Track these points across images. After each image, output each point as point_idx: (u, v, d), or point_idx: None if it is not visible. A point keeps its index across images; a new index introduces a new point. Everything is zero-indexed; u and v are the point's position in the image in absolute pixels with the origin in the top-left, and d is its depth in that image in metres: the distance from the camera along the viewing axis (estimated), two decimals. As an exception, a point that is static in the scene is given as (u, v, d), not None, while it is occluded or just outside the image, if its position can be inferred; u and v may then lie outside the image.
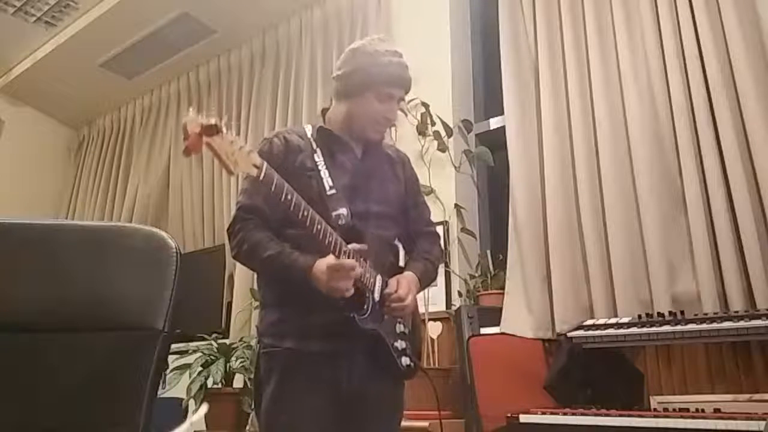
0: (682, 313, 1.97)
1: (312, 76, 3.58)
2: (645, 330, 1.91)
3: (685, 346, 2.10)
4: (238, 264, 3.41)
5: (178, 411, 2.84)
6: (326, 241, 1.41)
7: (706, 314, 2.00)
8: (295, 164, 1.54)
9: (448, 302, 2.74)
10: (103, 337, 0.91)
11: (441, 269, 1.80)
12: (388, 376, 1.56)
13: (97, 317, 0.92)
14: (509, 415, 1.87)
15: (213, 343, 2.98)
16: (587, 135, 2.52)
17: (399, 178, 1.72)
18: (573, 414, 1.81)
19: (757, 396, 1.88)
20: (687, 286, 2.20)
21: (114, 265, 0.95)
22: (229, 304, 3.54)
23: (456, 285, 2.74)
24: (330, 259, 1.41)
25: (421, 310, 1.82)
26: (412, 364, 1.59)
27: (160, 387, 1.25)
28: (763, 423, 1.47)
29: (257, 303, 2.91)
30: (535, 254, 2.50)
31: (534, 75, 2.75)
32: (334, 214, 1.49)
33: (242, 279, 3.43)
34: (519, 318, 2.44)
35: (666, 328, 1.89)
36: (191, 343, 3.06)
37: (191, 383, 2.78)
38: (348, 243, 1.46)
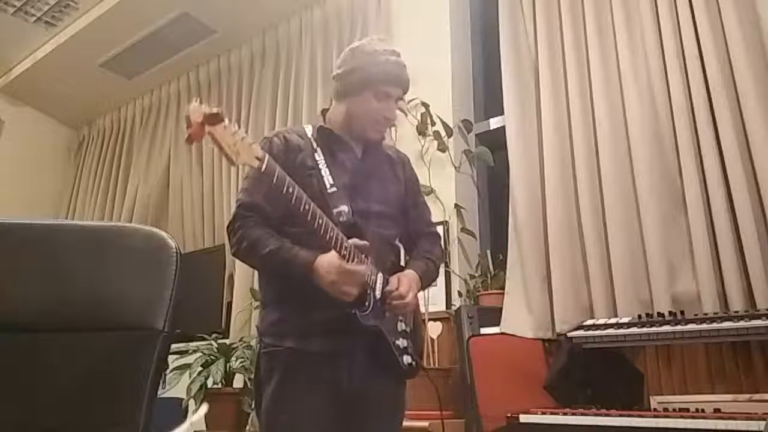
0: (682, 313, 1.97)
1: (312, 76, 3.58)
2: (645, 330, 1.91)
3: (685, 346, 2.10)
4: (238, 264, 3.42)
5: (178, 411, 2.84)
6: (327, 236, 1.41)
7: (706, 314, 2.00)
8: (296, 163, 1.54)
9: (448, 302, 2.74)
10: (103, 337, 0.91)
11: (441, 269, 1.80)
12: (389, 374, 1.56)
13: (97, 317, 0.92)
14: (509, 415, 1.87)
15: (213, 343, 2.98)
16: (587, 135, 2.52)
17: (399, 179, 1.72)
18: (573, 414, 1.81)
19: (757, 396, 1.88)
20: (687, 286, 2.20)
21: (114, 265, 0.95)
22: (229, 304, 3.54)
23: (456, 285, 2.74)
24: (334, 256, 1.41)
25: (421, 310, 1.82)
26: (413, 362, 1.59)
27: (160, 387, 1.25)
28: (763, 423, 1.47)
29: (257, 303, 2.91)
30: (535, 254, 2.50)
31: (534, 75, 2.75)
32: (335, 211, 1.49)
33: (242, 279, 3.43)
34: (519, 318, 2.44)
35: (666, 328, 1.89)
36: (191, 343, 3.06)
37: (191, 383, 2.78)
38: (349, 239, 1.46)
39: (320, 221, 1.40)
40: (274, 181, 1.34)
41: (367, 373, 1.51)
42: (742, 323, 1.78)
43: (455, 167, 2.91)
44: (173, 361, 2.90)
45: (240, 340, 3.03)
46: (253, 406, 2.30)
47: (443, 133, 2.90)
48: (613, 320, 2.08)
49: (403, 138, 2.94)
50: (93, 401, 0.88)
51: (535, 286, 2.46)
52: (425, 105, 2.94)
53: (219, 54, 4.21)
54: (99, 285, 0.94)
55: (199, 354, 2.93)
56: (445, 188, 2.88)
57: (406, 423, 1.66)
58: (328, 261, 1.42)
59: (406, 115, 2.91)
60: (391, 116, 1.64)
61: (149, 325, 0.91)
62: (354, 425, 1.51)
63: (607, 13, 2.60)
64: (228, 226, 1.56)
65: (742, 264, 2.09)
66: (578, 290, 2.41)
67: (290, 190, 1.36)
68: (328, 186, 1.53)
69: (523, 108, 2.72)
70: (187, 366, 2.87)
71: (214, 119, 1.19)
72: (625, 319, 2.06)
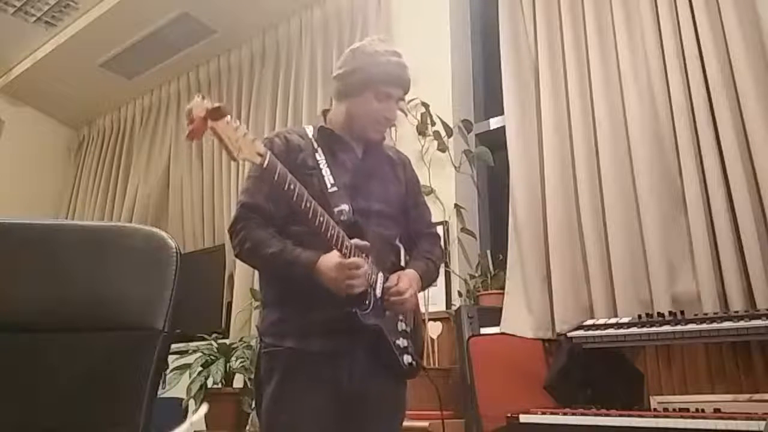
0: (682, 313, 1.97)
1: (312, 76, 3.58)
2: (645, 330, 1.91)
3: (685, 346, 2.10)
4: (238, 264, 3.42)
5: (178, 411, 2.84)
6: (328, 234, 1.42)
7: (706, 314, 1.99)
8: (296, 163, 1.54)
9: (448, 302, 2.74)
10: (103, 337, 0.91)
11: (441, 269, 1.80)
12: (389, 374, 1.56)
13: (97, 317, 0.92)
14: (509, 415, 1.87)
15: (213, 343, 2.98)
16: (587, 135, 2.52)
17: (399, 179, 1.72)
18: (573, 414, 1.81)
19: (757, 396, 1.88)
20: (687, 286, 2.20)
21: (114, 265, 0.95)
22: (229, 304, 3.54)
23: (456, 285, 2.74)
24: (335, 255, 1.42)
25: (421, 310, 1.82)
26: (414, 362, 1.59)
27: (160, 387, 1.25)
28: (763, 423, 1.47)
29: (257, 303, 2.91)
30: (535, 254, 2.50)
31: (534, 75, 2.75)
32: (336, 210, 1.49)
33: (242, 279, 3.43)
34: (519, 318, 2.44)
35: (666, 328, 1.89)
36: (191, 343, 3.06)
37: (191, 383, 2.78)
38: (350, 239, 1.47)
39: (321, 219, 1.41)
40: (276, 178, 1.34)
41: (367, 373, 1.51)
42: (742, 323, 1.78)
43: (455, 167, 2.91)
44: (173, 361, 2.90)
45: (240, 340, 3.03)
46: (253, 406, 2.30)
47: (443, 133, 2.90)
48: (613, 320, 2.08)
49: (403, 138, 2.94)
50: (93, 401, 0.88)
51: (535, 286, 2.46)
52: (425, 105, 2.94)
53: (219, 54, 4.21)
54: (99, 285, 0.94)
55: (199, 354, 2.93)
56: (445, 188, 2.88)
57: (406, 423, 1.66)
58: (329, 260, 1.43)
59: (406, 115, 2.91)
60: (391, 116, 1.64)
61: (149, 325, 0.91)
62: (354, 425, 1.51)
63: (607, 13, 2.60)
64: (230, 227, 1.56)
65: (742, 264, 2.08)
66: (578, 290, 2.41)
67: (291, 187, 1.37)
68: (328, 185, 1.53)
69: (523, 108, 2.72)
70: (187, 366, 2.87)
71: (216, 114, 1.19)
72: (625, 319, 2.06)
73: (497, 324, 2.43)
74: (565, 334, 2.14)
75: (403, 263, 1.70)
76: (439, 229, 2.05)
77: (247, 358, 2.84)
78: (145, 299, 0.93)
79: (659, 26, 2.43)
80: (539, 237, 2.53)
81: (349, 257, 1.43)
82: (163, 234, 0.98)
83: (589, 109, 2.55)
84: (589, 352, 2.00)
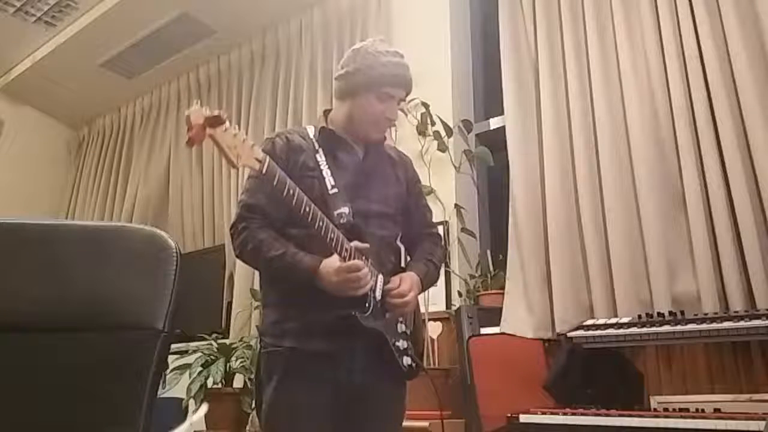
0: (682, 313, 1.97)
1: (312, 76, 3.58)
2: (645, 330, 1.91)
3: (685, 346, 2.10)
4: (238, 264, 3.42)
5: (178, 411, 2.84)
6: (328, 238, 1.42)
7: (706, 314, 1.99)
8: (297, 164, 1.55)
9: (448, 302, 2.74)
10: (102, 337, 0.91)
11: (441, 269, 1.80)
12: (389, 375, 1.56)
13: (97, 317, 0.92)
14: (509, 415, 1.88)
15: (213, 343, 2.98)
16: (587, 135, 2.52)
17: (400, 180, 1.73)
18: (573, 414, 1.81)
19: (757, 396, 1.87)
20: (687, 286, 2.20)
21: (114, 265, 0.95)
22: (229, 304, 3.54)
23: (456, 285, 2.74)
24: (336, 260, 1.42)
25: (421, 310, 1.82)
26: (413, 364, 1.59)
27: (160, 387, 1.25)
28: (763, 423, 1.47)
29: (257, 303, 2.91)
30: (535, 254, 2.50)
31: (534, 75, 2.75)
32: (336, 212, 1.50)
33: (242, 279, 3.43)
34: (519, 318, 2.44)
35: (666, 328, 1.89)
36: (191, 343, 3.07)
37: (191, 383, 2.78)
38: (350, 241, 1.47)
39: (321, 223, 1.41)
40: (275, 183, 1.35)
41: (367, 373, 1.51)
42: (742, 323, 1.77)
43: (455, 167, 2.91)
44: (173, 361, 2.90)
45: (240, 340, 3.03)
46: (253, 406, 2.31)
47: (443, 133, 2.90)
48: (613, 320, 2.08)
49: (403, 138, 2.94)
50: (93, 401, 0.88)
51: (535, 286, 2.46)
52: (425, 105, 2.94)
53: (219, 54, 4.21)
54: (99, 285, 0.94)
55: (199, 354, 2.93)
56: (445, 188, 2.88)
57: (406, 423, 1.66)
58: (330, 265, 1.43)
59: (407, 115, 2.91)
60: (392, 117, 1.64)
61: (149, 325, 0.91)
62: (354, 425, 1.51)
63: (607, 13, 2.60)
64: (231, 228, 1.56)
65: (742, 264, 2.08)
66: (578, 290, 2.41)
67: (291, 192, 1.37)
68: (329, 187, 1.53)
69: (523, 108, 2.72)
70: (187, 366, 2.87)
71: (215, 121, 1.19)
72: (625, 319, 2.06)
73: (497, 324, 2.43)
74: (565, 334, 2.14)
75: (403, 264, 1.70)
76: (439, 229, 2.05)
77: (247, 358, 2.85)
78: (145, 299, 0.93)
79: (659, 26, 2.43)
80: (539, 237, 2.53)
81: (349, 260, 1.43)
82: (163, 234, 0.98)
83: (589, 109, 2.55)
84: (589, 352, 2.00)
